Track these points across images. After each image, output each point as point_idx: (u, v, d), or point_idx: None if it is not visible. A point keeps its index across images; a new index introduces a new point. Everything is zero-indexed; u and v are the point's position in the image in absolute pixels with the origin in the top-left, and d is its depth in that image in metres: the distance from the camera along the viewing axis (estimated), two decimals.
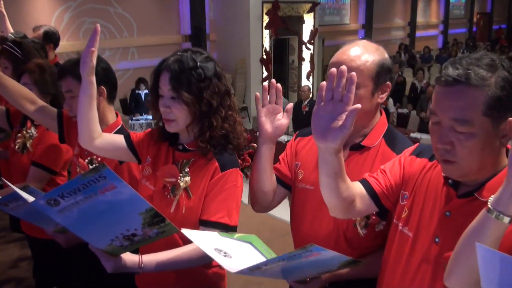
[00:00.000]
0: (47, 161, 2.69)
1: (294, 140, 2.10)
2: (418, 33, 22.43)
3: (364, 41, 1.88)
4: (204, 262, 1.81)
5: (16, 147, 2.77)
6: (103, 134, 2.05)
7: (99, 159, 2.29)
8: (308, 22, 14.12)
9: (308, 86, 9.64)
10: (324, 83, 1.37)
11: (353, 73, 1.33)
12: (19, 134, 2.79)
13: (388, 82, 1.86)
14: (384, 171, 1.70)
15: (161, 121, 1.95)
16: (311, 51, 14.29)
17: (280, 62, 14.33)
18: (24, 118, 2.82)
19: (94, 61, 1.89)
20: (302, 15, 13.84)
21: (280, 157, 2.11)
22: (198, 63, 1.84)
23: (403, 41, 21.18)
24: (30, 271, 4.55)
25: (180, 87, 1.81)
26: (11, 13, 5.35)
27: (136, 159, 2.11)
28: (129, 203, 1.45)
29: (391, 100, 10.69)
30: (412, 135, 9.12)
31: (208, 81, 1.85)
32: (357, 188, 1.66)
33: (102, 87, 2.29)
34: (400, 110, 11.62)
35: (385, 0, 19.90)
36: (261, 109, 1.89)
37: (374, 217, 1.84)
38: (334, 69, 1.35)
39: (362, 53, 1.80)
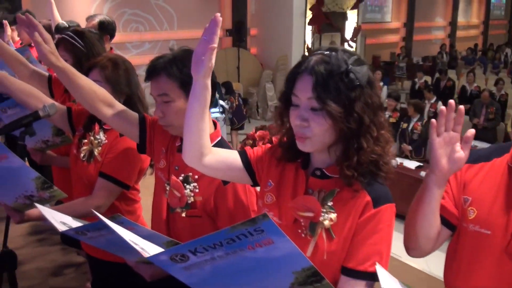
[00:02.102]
0: (119, 173, 2.28)
1: None
2: (458, 34, 21.82)
3: None
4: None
5: (81, 155, 2.36)
6: (213, 149, 1.65)
7: (196, 176, 1.89)
8: (351, 19, 13.74)
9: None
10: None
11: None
12: (85, 140, 2.38)
13: None
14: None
15: (287, 136, 1.55)
16: (353, 49, 13.85)
17: None
18: (89, 121, 2.42)
19: (213, 61, 1.47)
20: (346, 12, 13.45)
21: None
22: (350, 66, 1.42)
23: (443, 41, 20.60)
24: (77, 280, 4.23)
25: (327, 95, 1.39)
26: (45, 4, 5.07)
27: (251, 181, 1.71)
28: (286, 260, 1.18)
29: (440, 103, 10.15)
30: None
31: (360, 90, 1.42)
32: None
33: None
34: None
35: None
36: (436, 139, 1.46)
37: None
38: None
39: None
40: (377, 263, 1.41)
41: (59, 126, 2.59)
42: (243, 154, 1.69)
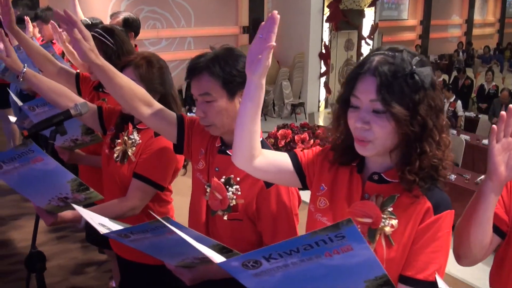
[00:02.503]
0: (154, 174, 2.24)
1: None
2: (474, 32, 21.60)
3: None
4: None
5: (115, 155, 2.33)
6: (263, 151, 1.61)
7: (238, 178, 1.84)
8: (369, 17, 13.62)
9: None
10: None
11: None
12: (118, 140, 2.34)
13: None
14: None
15: (342, 139, 1.51)
16: (370, 47, 13.74)
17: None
18: (121, 120, 2.38)
19: (270, 60, 1.41)
20: (363, 9, 13.33)
21: None
22: (414, 67, 1.37)
23: (459, 39, 20.40)
24: (99, 279, 4.20)
25: (392, 97, 1.33)
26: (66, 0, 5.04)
27: (301, 184, 1.66)
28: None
29: (459, 102, 10.03)
30: (484, 141, 8.47)
31: (423, 92, 1.36)
32: None
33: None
34: (467, 114, 10.86)
35: None
36: (496, 145, 1.42)
37: None
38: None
39: None
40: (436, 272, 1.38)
41: (89, 125, 2.56)
42: (293, 157, 1.64)
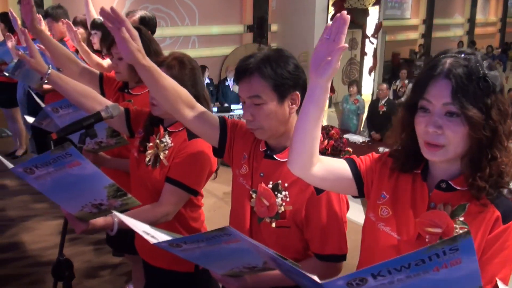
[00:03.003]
0: (188, 178, 2.15)
1: None
2: (476, 31, 21.54)
3: None
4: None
5: (146, 159, 2.24)
6: (320, 157, 1.54)
7: (285, 184, 1.76)
8: (373, 15, 13.54)
9: (386, 85, 8.95)
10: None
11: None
12: (150, 144, 2.25)
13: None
14: None
15: (406, 145, 1.44)
16: (374, 46, 13.66)
17: None
18: (151, 123, 2.29)
19: (339, 62, 1.34)
20: (367, 8, 13.26)
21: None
22: (486, 71, 1.31)
23: (461, 39, 20.34)
24: (114, 282, 4.12)
25: (467, 101, 1.28)
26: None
27: (358, 192, 1.59)
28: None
29: None
30: None
31: (494, 96, 1.32)
32: None
33: (297, 92, 1.77)
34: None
35: None
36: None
37: None
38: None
39: None
40: (499, 281, 1.34)
41: (115, 128, 2.47)
42: (352, 164, 1.57)
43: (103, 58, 4.04)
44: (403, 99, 10.87)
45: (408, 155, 1.48)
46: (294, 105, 1.79)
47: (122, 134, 2.54)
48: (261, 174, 1.83)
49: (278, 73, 1.71)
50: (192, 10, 10.99)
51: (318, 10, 11.87)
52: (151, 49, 2.62)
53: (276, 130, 1.78)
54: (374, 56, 13.68)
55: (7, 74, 4.32)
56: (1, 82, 5.85)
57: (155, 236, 1.50)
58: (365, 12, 13.28)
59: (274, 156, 1.81)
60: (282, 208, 1.75)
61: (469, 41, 20.16)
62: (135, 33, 1.72)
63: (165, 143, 2.20)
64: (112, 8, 1.64)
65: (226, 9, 11.53)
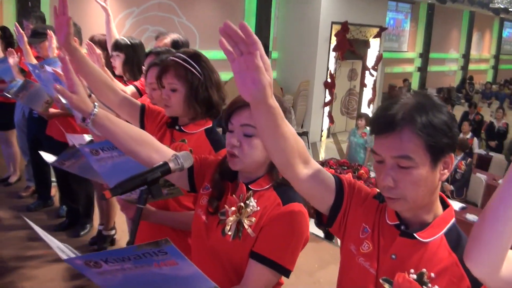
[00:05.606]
0: (282, 255, 1.65)
1: None
2: (470, 66, 21.59)
3: None
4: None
5: (227, 228, 1.70)
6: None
7: (432, 274, 1.26)
8: (373, 47, 13.44)
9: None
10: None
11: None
12: (233, 208, 1.72)
13: None
14: None
15: None
16: (374, 77, 13.52)
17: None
18: (222, 176, 1.81)
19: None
20: (368, 39, 13.15)
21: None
22: None
23: (455, 73, 20.36)
24: None
25: None
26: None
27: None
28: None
29: (475, 140, 9.74)
30: (501, 181, 8.13)
31: None
32: None
33: (452, 154, 1.35)
34: (478, 151, 10.47)
35: (443, 29, 19.06)
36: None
37: None
38: None
39: None
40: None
41: (171, 180, 1.93)
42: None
43: (125, 84, 3.58)
44: None
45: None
46: (446, 170, 1.39)
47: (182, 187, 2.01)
48: (393, 256, 1.41)
49: (438, 128, 1.31)
50: (193, 33, 10.73)
51: (321, 40, 11.72)
52: (213, 80, 2.21)
53: (421, 202, 1.38)
54: (374, 88, 13.55)
55: (8, 95, 3.94)
56: None
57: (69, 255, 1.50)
58: (366, 44, 13.17)
59: (415, 234, 1.40)
60: None
61: (467, 76, 20.12)
62: (267, 61, 1.23)
63: (251, 207, 1.71)
64: (242, 24, 1.18)
65: None
